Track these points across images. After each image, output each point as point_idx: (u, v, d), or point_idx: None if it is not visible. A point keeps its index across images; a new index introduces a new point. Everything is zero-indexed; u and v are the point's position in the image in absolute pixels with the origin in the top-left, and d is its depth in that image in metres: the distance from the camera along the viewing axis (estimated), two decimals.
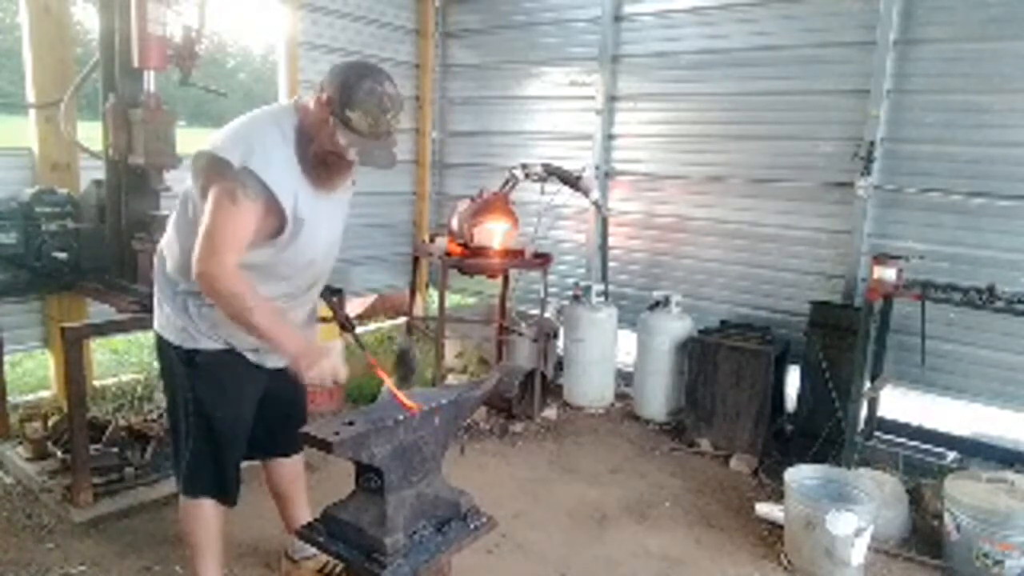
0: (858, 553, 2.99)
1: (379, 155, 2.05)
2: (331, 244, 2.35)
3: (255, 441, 2.50)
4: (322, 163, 2.12)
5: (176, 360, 2.31)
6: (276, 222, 2.10)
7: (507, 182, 4.78)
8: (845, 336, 3.89)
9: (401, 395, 1.97)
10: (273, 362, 2.37)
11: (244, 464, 2.52)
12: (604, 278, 5.15)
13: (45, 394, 4.23)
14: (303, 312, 2.43)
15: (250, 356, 2.32)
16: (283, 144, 2.08)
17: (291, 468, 2.73)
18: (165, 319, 2.30)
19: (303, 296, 2.38)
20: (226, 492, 2.45)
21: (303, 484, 2.79)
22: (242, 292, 2.02)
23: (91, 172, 3.76)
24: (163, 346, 2.34)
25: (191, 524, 2.48)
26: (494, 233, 4.58)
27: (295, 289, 2.32)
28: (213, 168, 2.03)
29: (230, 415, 2.36)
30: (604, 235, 5.18)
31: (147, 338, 5.22)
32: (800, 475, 3.27)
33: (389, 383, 2.07)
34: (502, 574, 3.00)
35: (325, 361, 2.06)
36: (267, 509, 2.84)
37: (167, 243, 2.30)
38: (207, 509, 2.45)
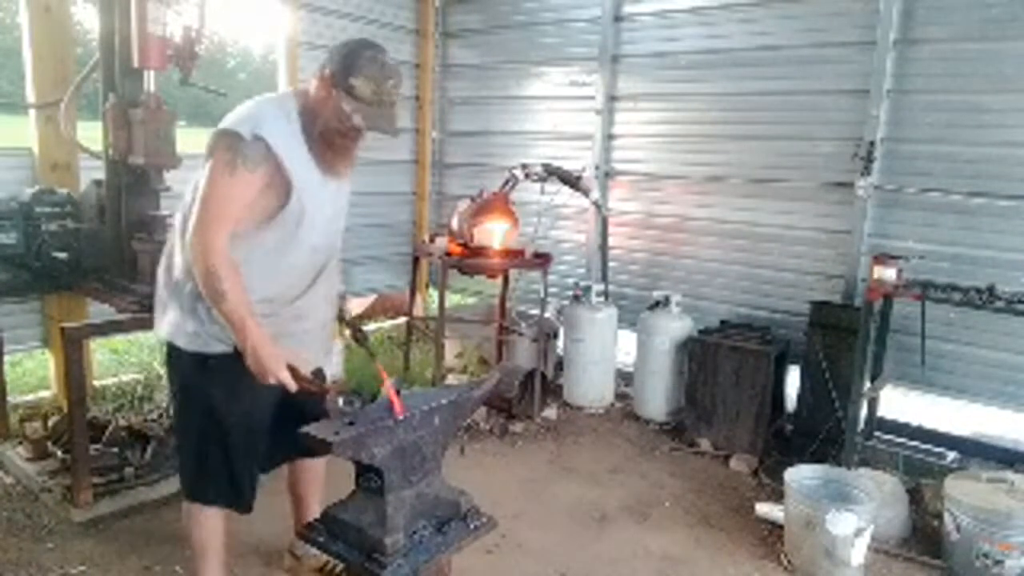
0: (858, 553, 2.99)
1: (383, 121, 2.10)
2: (334, 233, 2.35)
3: (279, 445, 2.44)
4: (327, 144, 2.15)
5: (188, 366, 2.27)
6: (278, 197, 2.11)
7: (507, 182, 4.78)
8: (845, 336, 3.89)
9: (397, 399, 1.96)
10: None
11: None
12: (604, 278, 5.14)
13: (45, 394, 4.23)
14: (315, 320, 2.37)
15: None
16: (287, 122, 2.12)
17: (311, 470, 2.72)
18: (174, 326, 2.26)
19: (309, 293, 2.33)
20: (239, 499, 2.40)
21: (320, 487, 2.77)
22: (222, 274, 2.02)
23: (91, 172, 3.75)
24: (173, 353, 2.30)
25: (196, 529, 2.44)
26: (494, 233, 4.59)
27: (299, 282, 2.29)
28: (223, 142, 2.06)
29: (244, 419, 2.31)
30: (604, 235, 5.18)
31: (147, 338, 5.22)
32: (800, 475, 3.27)
33: (391, 391, 2.04)
34: (502, 574, 3.00)
35: (266, 369, 2.05)
36: (267, 508, 2.83)
37: (174, 245, 2.28)
38: (213, 514, 2.42)
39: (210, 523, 2.43)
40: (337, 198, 2.33)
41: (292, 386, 2.05)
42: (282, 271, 2.22)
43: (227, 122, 2.10)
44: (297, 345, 2.29)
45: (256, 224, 2.13)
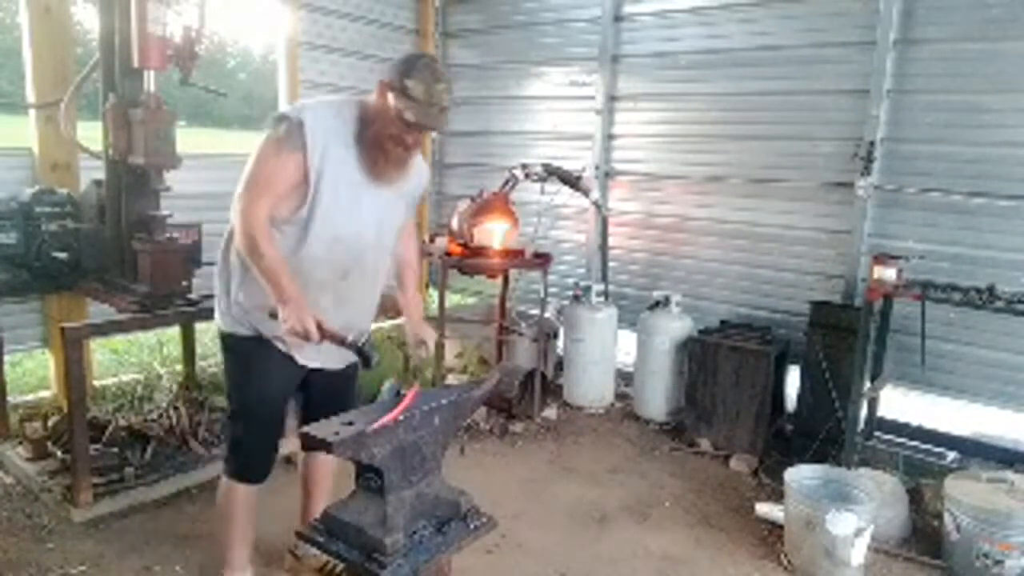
0: (858, 553, 2.99)
1: (433, 119, 2.19)
2: (367, 232, 2.36)
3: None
4: (379, 149, 2.24)
5: (220, 341, 2.49)
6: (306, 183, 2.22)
7: (507, 182, 4.78)
8: (845, 336, 3.89)
9: (398, 410, 1.93)
10: (303, 357, 2.43)
11: None
12: (604, 278, 5.15)
13: (45, 394, 4.23)
14: (345, 313, 2.39)
15: (279, 346, 2.40)
16: (334, 117, 2.24)
17: (321, 466, 2.79)
18: (216, 301, 2.47)
19: (329, 293, 2.35)
20: (255, 473, 2.54)
21: (329, 486, 2.81)
22: (259, 237, 2.15)
23: (91, 172, 3.75)
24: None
25: (223, 500, 2.60)
26: (494, 233, 4.59)
27: (317, 278, 2.31)
28: (274, 123, 2.23)
29: (255, 399, 2.44)
30: (604, 235, 5.18)
31: (147, 338, 5.22)
32: (800, 475, 3.27)
33: (406, 402, 2.01)
34: (502, 574, 3.00)
35: (296, 317, 2.12)
36: (267, 508, 2.83)
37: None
38: (238, 489, 2.55)
39: (234, 498, 2.57)
40: (388, 205, 2.39)
41: (316, 336, 2.14)
42: (301, 263, 2.26)
43: (285, 108, 2.30)
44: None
45: (289, 211, 2.23)
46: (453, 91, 2.22)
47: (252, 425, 2.48)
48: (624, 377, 5.13)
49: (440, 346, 4.61)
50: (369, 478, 1.89)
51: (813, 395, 4.09)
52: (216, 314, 2.47)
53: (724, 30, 4.73)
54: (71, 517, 3.13)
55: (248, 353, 2.41)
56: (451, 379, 4.75)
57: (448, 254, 4.55)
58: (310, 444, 1.84)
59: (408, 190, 2.46)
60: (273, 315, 2.17)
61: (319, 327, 2.15)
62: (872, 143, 4.16)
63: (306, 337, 2.13)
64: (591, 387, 4.90)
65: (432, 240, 4.74)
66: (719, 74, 4.79)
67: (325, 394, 2.52)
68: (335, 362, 2.50)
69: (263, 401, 2.45)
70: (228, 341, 2.44)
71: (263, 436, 2.51)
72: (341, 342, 2.21)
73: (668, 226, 5.13)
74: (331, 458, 2.72)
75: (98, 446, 3.39)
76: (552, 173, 4.81)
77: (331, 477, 2.83)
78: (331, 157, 2.21)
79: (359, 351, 2.21)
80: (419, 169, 2.50)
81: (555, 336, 5.20)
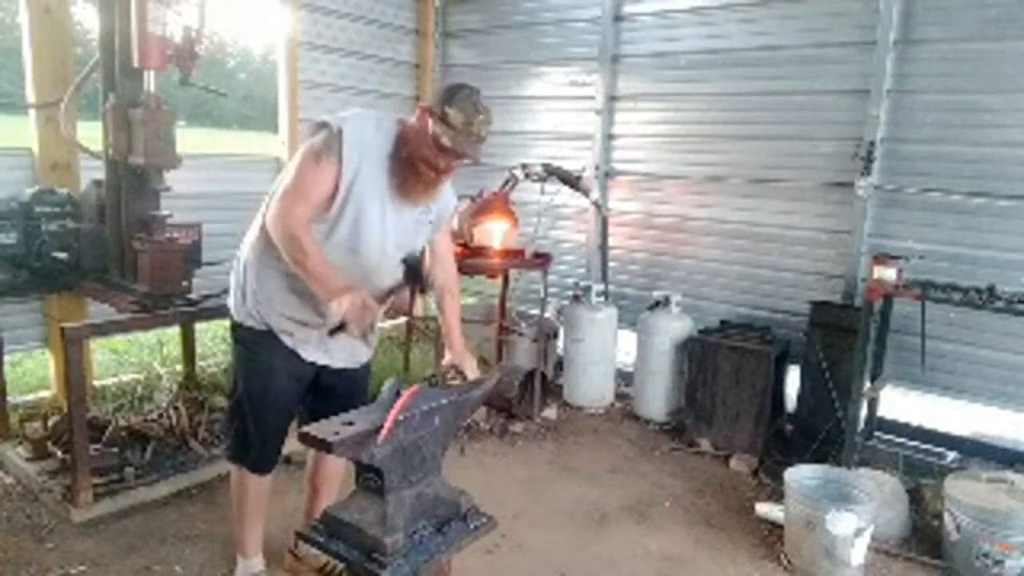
0: (858, 553, 2.99)
1: (468, 147, 2.20)
2: (385, 249, 2.35)
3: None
4: (411, 169, 2.25)
5: (231, 331, 2.55)
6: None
7: (507, 182, 4.78)
8: (845, 336, 3.88)
9: (395, 414, 1.91)
10: (309, 353, 2.46)
11: None
12: (604, 278, 5.15)
13: (45, 394, 4.23)
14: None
15: (286, 340, 2.43)
16: (375, 132, 2.27)
17: (329, 465, 2.79)
18: (230, 293, 2.53)
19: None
20: (255, 463, 2.59)
21: (335, 486, 2.82)
22: (301, 237, 2.17)
23: (91, 172, 3.75)
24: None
25: (234, 486, 2.68)
26: (494, 233, 4.59)
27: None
28: (316, 131, 2.26)
29: (259, 390, 2.48)
30: (604, 235, 5.18)
31: (147, 338, 5.22)
32: (800, 475, 3.27)
33: (402, 404, 2.00)
34: (502, 574, 3.00)
35: (359, 303, 2.12)
36: (268, 507, 2.83)
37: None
38: (246, 477, 2.62)
39: (243, 483, 2.64)
40: (409, 226, 2.39)
41: (380, 310, 2.22)
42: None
43: (328, 115, 2.28)
44: (306, 335, 2.43)
45: (317, 216, 2.25)
46: (492, 124, 2.24)
47: (253, 415, 2.51)
48: (624, 377, 5.13)
49: (440, 346, 4.60)
50: (369, 478, 1.89)
51: (813, 395, 4.09)
52: (231, 305, 2.52)
53: (724, 30, 4.73)
54: (71, 517, 3.13)
55: (255, 345, 2.45)
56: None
57: None
58: (310, 444, 1.84)
59: (435, 213, 2.46)
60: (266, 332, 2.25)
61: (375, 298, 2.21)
62: (872, 143, 4.16)
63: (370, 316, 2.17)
64: (591, 387, 4.90)
65: None
66: (719, 74, 4.79)
67: (335, 394, 2.52)
68: (341, 360, 2.53)
69: (265, 393, 2.47)
70: (237, 331, 2.49)
71: (264, 427, 2.53)
72: (390, 292, 2.33)
73: (668, 226, 5.13)
74: (337, 460, 2.74)
75: (98, 446, 3.40)
76: (552, 173, 4.81)
77: (335, 480, 2.82)
78: (364, 170, 2.23)
79: (412, 270, 2.25)
80: (447, 195, 2.51)
81: (555, 336, 5.20)
